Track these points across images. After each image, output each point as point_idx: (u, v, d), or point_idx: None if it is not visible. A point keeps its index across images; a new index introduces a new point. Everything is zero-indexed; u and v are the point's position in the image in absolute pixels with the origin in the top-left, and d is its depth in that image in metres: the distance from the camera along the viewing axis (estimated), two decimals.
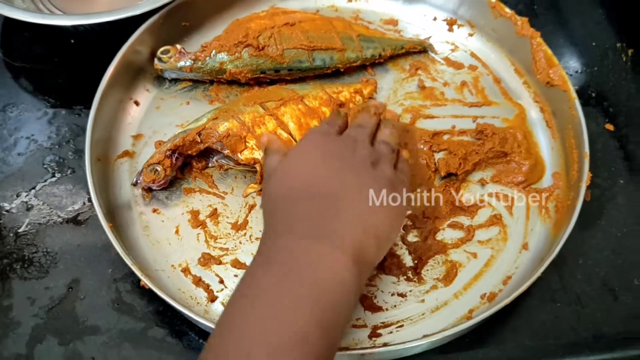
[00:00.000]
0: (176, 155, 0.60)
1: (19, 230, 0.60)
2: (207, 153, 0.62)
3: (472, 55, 0.72)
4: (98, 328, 0.55)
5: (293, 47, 0.65)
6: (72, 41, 0.72)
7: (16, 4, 0.72)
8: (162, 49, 0.66)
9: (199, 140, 0.59)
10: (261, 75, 0.66)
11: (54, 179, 0.63)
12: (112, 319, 0.55)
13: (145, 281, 0.51)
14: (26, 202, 0.61)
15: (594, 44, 0.77)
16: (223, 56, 0.65)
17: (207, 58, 0.65)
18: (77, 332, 0.54)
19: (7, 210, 0.61)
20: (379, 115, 0.57)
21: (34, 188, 0.62)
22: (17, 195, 0.62)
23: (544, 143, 0.66)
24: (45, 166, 0.64)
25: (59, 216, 0.61)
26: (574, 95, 0.63)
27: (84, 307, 0.56)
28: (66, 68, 0.71)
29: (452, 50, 0.73)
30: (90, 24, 0.65)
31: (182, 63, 0.65)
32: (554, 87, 0.66)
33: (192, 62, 0.65)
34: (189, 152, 0.60)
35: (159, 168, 0.58)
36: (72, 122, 0.67)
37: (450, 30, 0.74)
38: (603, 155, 0.67)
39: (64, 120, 0.67)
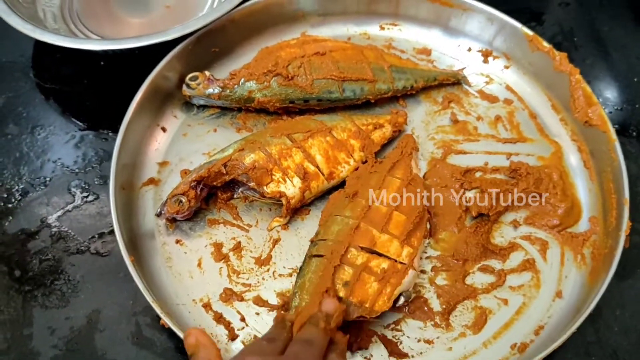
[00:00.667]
0: (201, 186, 0.59)
1: (43, 257, 0.59)
2: (232, 184, 0.61)
3: (508, 88, 0.70)
4: None
5: (323, 78, 0.64)
6: (102, 63, 0.72)
7: (48, 24, 0.72)
8: (190, 75, 0.65)
9: (225, 172, 0.58)
10: (290, 105, 0.65)
11: (78, 205, 0.63)
12: (131, 353, 0.54)
13: (165, 319, 0.50)
14: (50, 227, 0.61)
15: (635, 79, 0.74)
16: (252, 85, 0.64)
17: (236, 86, 0.64)
18: None
19: (31, 235, 0.61)
20: (328, 331, 0.45)
21: (58, 213, 0.62)
22: (42, 221, 0.61)
23: (581, 185, 0.63)
24: (70, 191, 0.64)
25: (82, 243, 0.60)
26: (614, 137, 0.61)
27: (104, 340, 0.55)
28: (95, 90, 0.71)
29: (487, 83, 0.70)
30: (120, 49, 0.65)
31: (210, 90, 0.65)
32: (593, 126, 0.63)
33: (221, 89, 0.64)
34: (214, 183, 0.59)
35: (183, 199, 0.58)
36: (99, 147, 0.66)
37: (486, 61, 0.72)
38: None
39: (90, 145, 0.67)
